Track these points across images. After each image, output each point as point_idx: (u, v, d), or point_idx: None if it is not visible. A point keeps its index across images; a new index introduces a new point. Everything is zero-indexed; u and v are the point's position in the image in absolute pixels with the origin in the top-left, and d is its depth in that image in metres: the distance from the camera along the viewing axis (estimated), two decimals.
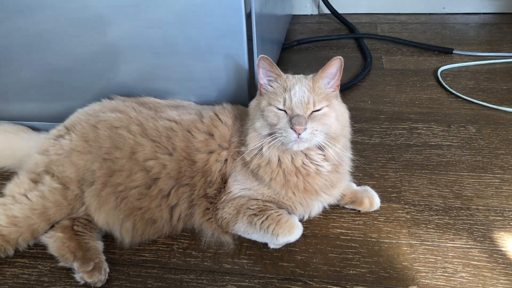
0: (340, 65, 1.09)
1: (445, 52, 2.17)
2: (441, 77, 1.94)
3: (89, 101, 1.38)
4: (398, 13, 2.70)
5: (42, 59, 1.42)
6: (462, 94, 1.81)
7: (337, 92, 1.15)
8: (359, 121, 1.68)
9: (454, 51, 2.16)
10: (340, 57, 1.08)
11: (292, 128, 1.03)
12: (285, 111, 1.07)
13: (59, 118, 1.36)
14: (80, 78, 1.46)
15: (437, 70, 2.00)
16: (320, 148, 1.12)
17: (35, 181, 1.21)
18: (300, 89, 1.08)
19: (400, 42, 2.29)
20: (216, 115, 1.24)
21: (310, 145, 1.09)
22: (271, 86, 1.13)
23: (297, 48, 2.33)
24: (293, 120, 1.04)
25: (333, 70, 1.10)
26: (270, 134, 1.08)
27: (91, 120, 1.26)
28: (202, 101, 1.40)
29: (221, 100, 1.32)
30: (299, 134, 1.03)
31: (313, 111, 1.07)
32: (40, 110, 1.57)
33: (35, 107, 1.56)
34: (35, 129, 1.54)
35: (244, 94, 1.40)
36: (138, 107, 1.30)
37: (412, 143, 1.55)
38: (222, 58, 1.34)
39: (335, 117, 1.10)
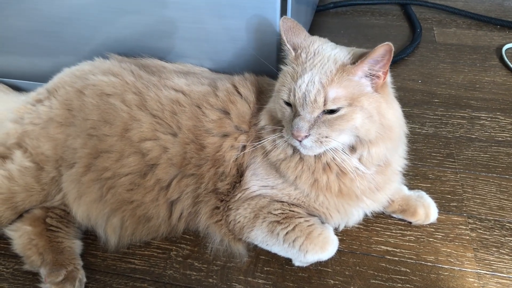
0: (389, 52, 0.80)
1: (510, 27, 1.85)
2: (507, 57, 1.63)
3: (83, 59, 1.17)
4: None
5: (34, 6, 1.19)
6: None
7: (381, 81, 0.85)
8: (408, 104, 1.39)
9: None
10: (389, 43, 0.76)
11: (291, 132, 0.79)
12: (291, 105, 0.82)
13: (47, 78, 1.15)
14: (74, 30, 1.23)
15: (501, 48, 1.69)
16: (353, 149, 0.84)
17: (3, 157, 1.00)
18: (310, 79, 0.78)
19: (455, 12, 1.97)
20: (235, 87, 0.99)
21: (320, 152, 0.83)
22: (286, 64, 0.85)
23: (333, 12, 2.03)
24: (293, 123, 0.79)
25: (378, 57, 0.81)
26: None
27: (77, 84, 1.04)
28: (218, 67, 1.19)
29: (242, 69, 1.08)
30: (300, 141, 0.79)
31: (324, 112, 0.78)
32: (27, 67, 1.35)
33: (21, 62, 1.34)
34: (18, 89, 1.35)
35: (272, 62, 1.13)
36: (138, 71, 1.06)
37: (474, 136, 1.26)
38: (248, 15, 1.09)
39: (364, 118, 0.79)
